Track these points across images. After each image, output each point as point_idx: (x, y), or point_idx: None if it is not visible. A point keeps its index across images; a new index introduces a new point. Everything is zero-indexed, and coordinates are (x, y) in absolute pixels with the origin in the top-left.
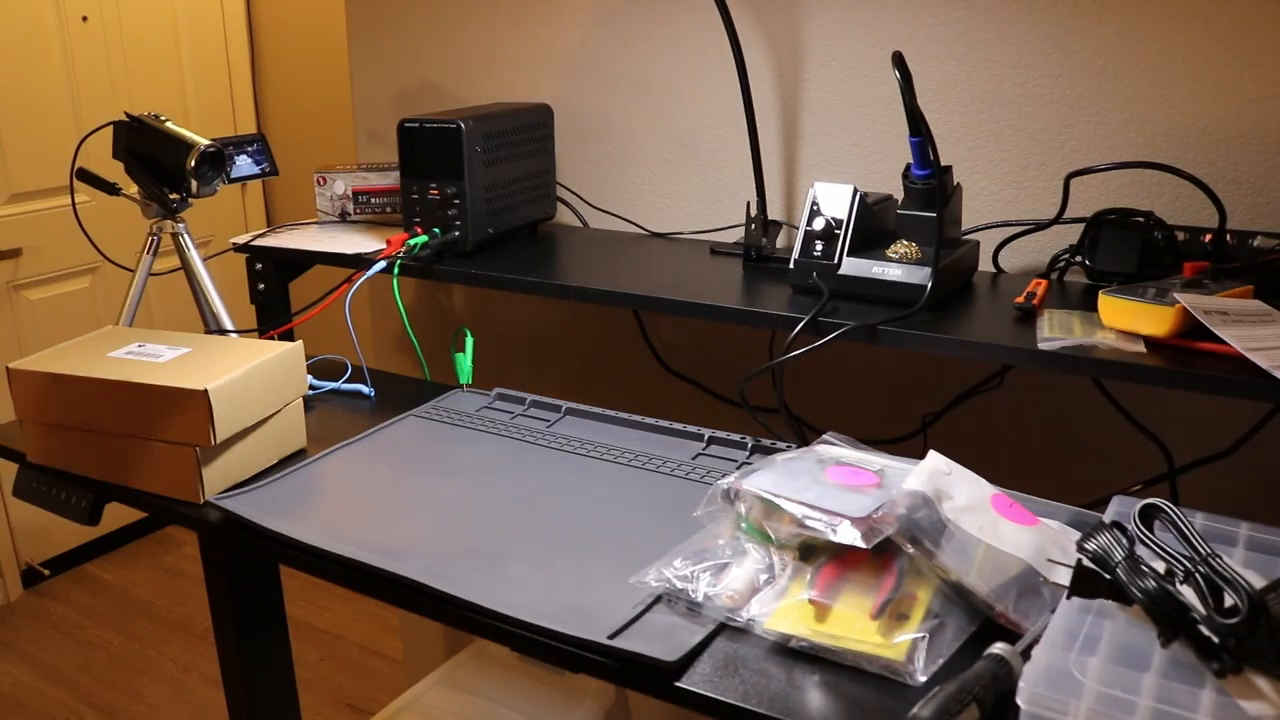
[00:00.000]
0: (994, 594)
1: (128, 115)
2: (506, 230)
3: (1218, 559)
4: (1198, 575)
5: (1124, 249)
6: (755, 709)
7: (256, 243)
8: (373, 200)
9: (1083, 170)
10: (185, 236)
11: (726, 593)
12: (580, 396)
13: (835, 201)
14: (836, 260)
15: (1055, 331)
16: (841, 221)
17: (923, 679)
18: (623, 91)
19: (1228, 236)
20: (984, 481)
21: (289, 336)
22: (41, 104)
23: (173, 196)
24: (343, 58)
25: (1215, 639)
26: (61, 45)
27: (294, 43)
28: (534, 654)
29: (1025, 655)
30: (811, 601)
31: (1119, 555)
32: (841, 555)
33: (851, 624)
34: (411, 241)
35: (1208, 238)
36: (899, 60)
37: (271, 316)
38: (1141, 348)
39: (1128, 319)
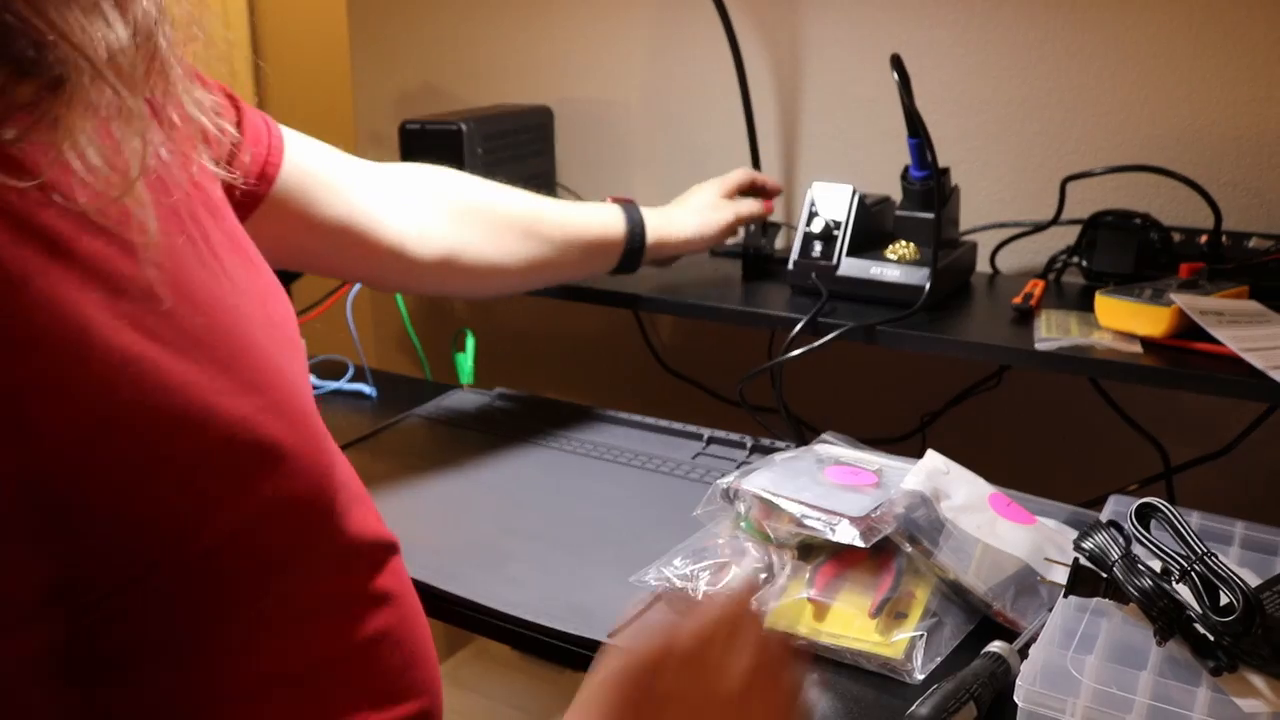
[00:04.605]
0: (992, 592)
1: None
2: None
3: (1213, 558)
4: (1194, 574)
5: (1120, 250)
6: None
7: None
8: None
9: (1078, 174)
10: None
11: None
12: (580, 396)
13: (834, 202)
14: (835, 261)
15: (1052, 332)
16: (840, 222)
17: (920, 677)
18: (623, 92)
19: (1223, 238)
20: (982, 481)
21: None
22: None
23: None
24: (344, 59)
25: (1211, 637)
26: None
27: (296, 44)
28: (535, 652)
29: (1022, 653)
30: (810, 600)
31: (1115, 554)
32: (840, 554)
33: (850, 622)
34: None
35: (1203, 239)
36: (897, 62)
37: None
38: (1138, 348)
39: (1124, 319)
